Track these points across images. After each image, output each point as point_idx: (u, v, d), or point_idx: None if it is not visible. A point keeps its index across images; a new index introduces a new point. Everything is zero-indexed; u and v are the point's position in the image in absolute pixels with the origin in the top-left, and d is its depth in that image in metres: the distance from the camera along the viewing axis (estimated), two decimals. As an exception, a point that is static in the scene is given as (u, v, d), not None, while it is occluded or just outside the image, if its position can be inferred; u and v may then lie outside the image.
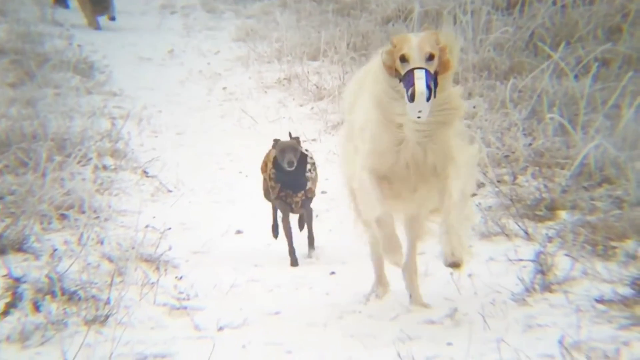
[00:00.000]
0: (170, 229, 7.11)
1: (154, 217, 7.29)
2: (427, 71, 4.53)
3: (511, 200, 7.02)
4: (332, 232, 7.05)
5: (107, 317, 5.28)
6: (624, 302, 5.29)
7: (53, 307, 5.27)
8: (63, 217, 6.84)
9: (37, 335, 4.99)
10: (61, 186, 7.24)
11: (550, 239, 6.33)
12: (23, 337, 4.97)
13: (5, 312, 5.28)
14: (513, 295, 5.50)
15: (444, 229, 4.73)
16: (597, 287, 5.54)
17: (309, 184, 6.44)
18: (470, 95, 9.32)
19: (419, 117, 4.53)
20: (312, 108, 10.60)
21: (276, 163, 6.33)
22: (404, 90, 4.55)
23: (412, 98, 4.46)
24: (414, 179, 4.85)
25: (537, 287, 5.62)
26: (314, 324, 5.36)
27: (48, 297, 5.35)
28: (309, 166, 6.44)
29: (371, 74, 4.92)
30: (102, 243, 6.43)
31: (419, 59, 4.57)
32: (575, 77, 9.01)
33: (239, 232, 7.34)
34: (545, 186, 7.20)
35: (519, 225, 6.63)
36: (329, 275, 6.27)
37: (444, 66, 4.70)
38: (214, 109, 10.98)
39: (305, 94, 10.90)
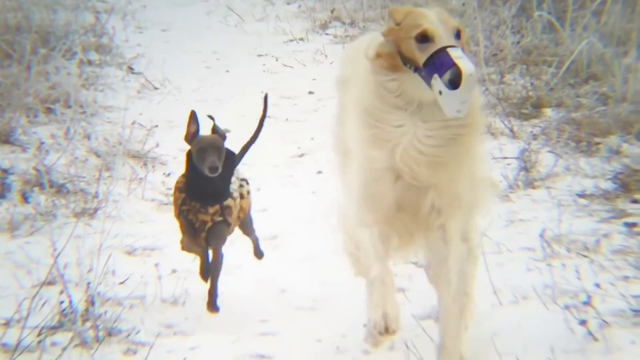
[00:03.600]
0: (157, 126, 7.10)
1: (140, 114, 7.27)
2: (463, 50, 3.22)
3: (498, 99, 7.03)
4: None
5: (95, 210, 5.34)
6: (606, 196, 5.38)
7: (41, 198, 5.33)
8: (49, 110, 6.81)
9: (26, 226, 5.06)
10: (46, 79, 7.17)
11: (534, 137, 6.39)
12: (12, 227, 5.03)
13: (-7, 204, 5.34)
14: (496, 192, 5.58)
15: (440, 341, 3.48)
16: (579, 182, 5.63)
17: (229, 201, 4.12)
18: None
19: (458, 113, 3.14)
20: (300, 6, 10.45)
21: (190, 165, 4.09)
22: (430, 80, 3.17)
23: (455, 83, 3.09)
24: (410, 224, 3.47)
25: (520, 183, 5.70)
26: (302, 220, 5.44)
27: (36, 189, 5.40)
28: (236, 180, 4.24)
29: (357, 73, 3.49)
30: (89, 138, 6.43)
31: (447, 36, 3.22)
32: (564, -26, 8.90)
33: (226, 131, 7.33)
34: (532, 84, 7.21)
35: (504, 124, 6.67)
36: (316, 174, 6.30)
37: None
38: (199, 5, 10.81)
39: (293, -9, 10.74)
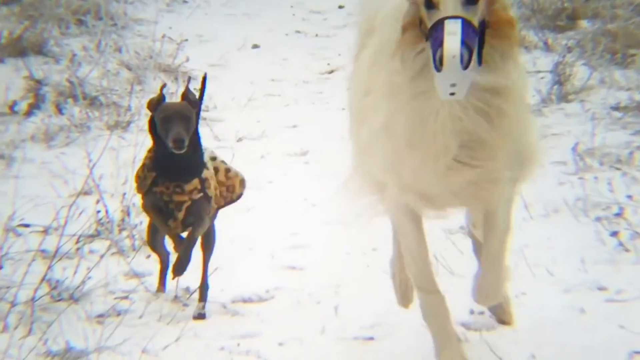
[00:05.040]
0: (186, 40, 7.08)
1: (170, 28, 7.25)
2: (464, 21, 2.72)
3: (532, 10, 6.91)
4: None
5: (128, 123, 5.39)
6: (640, 107, 5.34)
7: (75, 110, 5.39)
8: (80, 22, 6.81)
9: (61, 136, 5.14)
10: (77, -10, 7.15)
11: (569, 49, 6.29)
12: (48, 137, 5.12)
13: (29, 113, 5.42)
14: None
15: (484, 262, 3.14)
16: (613, 95, 5.57)
17: (205, 172, 3.47)
18: None
19: (452, 95, 2.73)
20: None
21: (156, 140, 3.43)
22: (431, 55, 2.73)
23: (439, 64, 2.68)
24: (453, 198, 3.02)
25: (553, 97, 5.64)
26: (332, 136, 5.45)
27: (70, 100, 5.47)
28: (208, 153, 3.58)
29: (380, 40, 3.01)
30: (120, 51, 6.44)
31: (452, 3, 2.73)
32: None
33: (255, 46, 7.29)
34: (567, -5, 7.08)
35: (538, 37, 6.56)
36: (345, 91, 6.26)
37: (496, 17, 2.83)
38: None
39: None
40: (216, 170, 3.55)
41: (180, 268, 3.39)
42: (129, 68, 6.18)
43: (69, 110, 5.40)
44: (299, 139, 5.37)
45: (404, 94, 2.84)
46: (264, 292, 3.72)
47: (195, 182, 3.39)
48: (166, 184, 3.37)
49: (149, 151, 3.46)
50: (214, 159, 3.57)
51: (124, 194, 4.18)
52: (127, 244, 4.03)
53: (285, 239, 4.21)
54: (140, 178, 3.42)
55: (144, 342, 3.21)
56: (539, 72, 6.03)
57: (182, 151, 3.29)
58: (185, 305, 3.59)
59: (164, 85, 3.48)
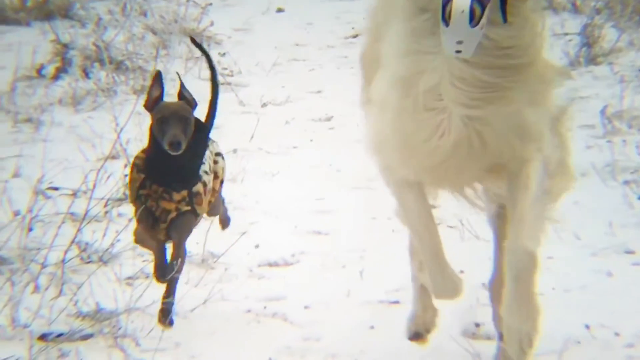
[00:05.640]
0: (211, 4, 7.05)
1: (194, -8, 7.23)
2: None
3: (560, -28, 6.82)
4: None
5: (154, 86, 5.40)
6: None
7: (102, 74, 5.42)
8: (106, -15, 6.84)
9: (88, 101, 5.18)
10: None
11: (598, 11, 6.20)
12: (75, 101, 5.15)
13: (56, 76, 5.46)
14: (556, 68, 5.47)
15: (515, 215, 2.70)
16: (642, 57, 5.52)
17: (199, 186, 3.17)
18: None
19: (458, 53, 2.52)
20: None
21: (152, 140, 3.16)
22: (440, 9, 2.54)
23: (447, 18, 2.50)
24: (463, 178, 2.79)
25: (581, 60, 5.58)
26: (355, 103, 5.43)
27: (97, 64, 5.49)
28: (210, 155, 3.28)
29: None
30: (145, 15, 6.45)
31: None
32: None
33: (280, 10, 7.25)
34: (596, -46, 6.97)
35: (566, -2, 6.50)
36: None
37: None
38: None
39: None
40: (215, 175, 3.25)
41: (162, 274, 3.11)
42: (154, 32, 6.19)
43: (96, 74, 5.43)
44: (324, 104, 5.36)
45: (409, 52, 2.61)
46: (289, 256, 3.75)
47: (184, 193, 3.11)
48: (154, 187, 3.10)
49: (142, 151, 3.21)
50: (217, 160, 3.28)
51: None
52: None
53: (310, 204, 4.23)
54: (131, 178, 3.15)
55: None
56: (567, 34, 5.96)
57: (179, 152, 3.03)
58: (212, 268, 3.62)
59: (158, 73, 3.18)
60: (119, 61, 5.58)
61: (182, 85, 3.21)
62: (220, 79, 5.86)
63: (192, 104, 3.20)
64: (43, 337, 3.03)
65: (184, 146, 3.04)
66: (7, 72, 5.40)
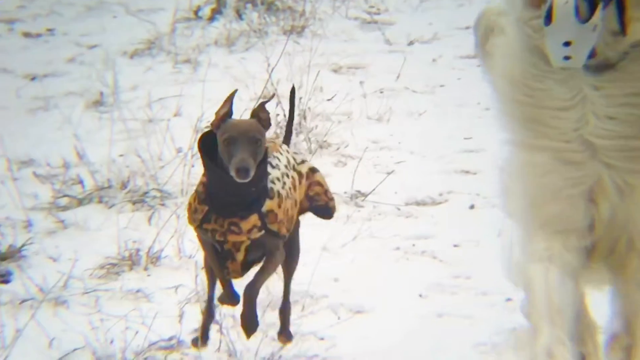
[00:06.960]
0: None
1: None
2: None
3: None
4: None
5: (303, 28, 5.47)
6: None
7: (254, 15, 5.52)
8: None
9: (241, 41, 5.30)
10: None
11: None
12: (229, 42, 5.29)
13: (212, 18, 5.63)
14: None
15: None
16: None
17: (268, 203, 2.64)
18: None
19: (566, 60, 2.04)
20: None
21: (209, 164, 2.65)
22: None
23: (549, 14, 2.02)
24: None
25: None
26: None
27: (249, 5, 5.60)
28: (275, 171, 2.69)
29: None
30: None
31: None
32: None
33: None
34: None
35: None
36: None
37: None
38: None
39: None
40: (299, 174, 2.76)
41: (250, 326, 2.66)
42: (301, -28, 6.22)
43: (248, 15, 5.54)
44: (473, 41, 5.26)
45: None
46: (437, 195, 3.76)
47: (254, 218, 2.60)
48: (219, 221, 2.61)
49: (203, 175, 2.68)
50: (303, 162, 2.81)
51: (300, 98, 4.29)
52: (305, 146, 4.16)
53: (458, 143, 4.21)
54: (191, 209, 2.66)
55: (323, 240, 3.34)
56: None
57: (246, 181, 2.53)
58: (361, 206, 3.69)
59: (234, 92, 2.64)
60: (270, 2, 5.67)
61: (261, 104, 2.65)
62: (366, 17, 5.92)
63: (266, 124, 2.62)
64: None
65: (252, 173, 2.52)
66: (167, 14, 5.59)
